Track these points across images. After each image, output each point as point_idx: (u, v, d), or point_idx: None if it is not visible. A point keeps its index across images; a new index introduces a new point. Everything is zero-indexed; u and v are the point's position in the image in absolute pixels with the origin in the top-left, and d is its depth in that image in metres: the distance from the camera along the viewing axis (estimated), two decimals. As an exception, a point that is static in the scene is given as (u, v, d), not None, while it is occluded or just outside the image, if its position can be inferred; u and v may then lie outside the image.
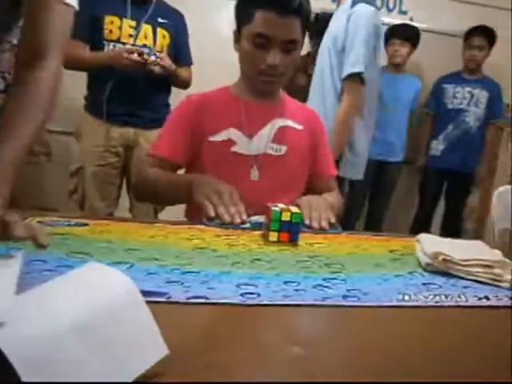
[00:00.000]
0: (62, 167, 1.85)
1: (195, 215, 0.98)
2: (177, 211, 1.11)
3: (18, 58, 0.78)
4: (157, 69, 1.65)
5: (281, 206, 0.77)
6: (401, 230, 2.89)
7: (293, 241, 0.74)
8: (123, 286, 0.34)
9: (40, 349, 0.28)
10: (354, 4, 1.57)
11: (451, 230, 2.61)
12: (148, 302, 0.46)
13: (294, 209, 0.77)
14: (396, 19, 2.69)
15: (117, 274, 0.35)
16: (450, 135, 2.60)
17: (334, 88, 1.62)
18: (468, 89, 2.58)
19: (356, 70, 1.56)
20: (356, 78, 1.58)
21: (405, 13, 2.80)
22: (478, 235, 2.81)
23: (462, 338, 0.48)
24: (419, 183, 2.78)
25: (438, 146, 2.63)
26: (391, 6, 2.80)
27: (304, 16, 0.94)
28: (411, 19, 2.76)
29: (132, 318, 0.33)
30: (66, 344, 0.29)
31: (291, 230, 0.74)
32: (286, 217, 0.74)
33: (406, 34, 2.47)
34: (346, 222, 2.51)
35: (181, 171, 1.08)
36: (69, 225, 0.70)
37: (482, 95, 2.56)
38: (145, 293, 0.48)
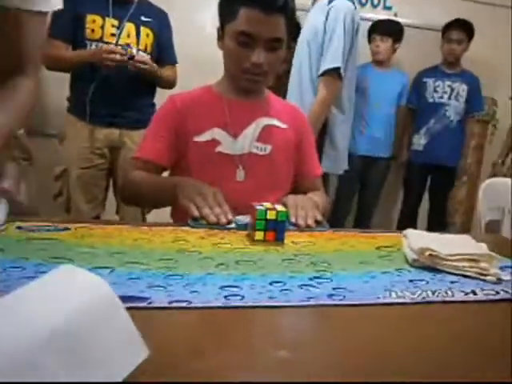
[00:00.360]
0: (45, 170, 1.82)
1: (181, 217, 0.97)
2: (165, 213, 1.10)
3: None
4: (136, 64, 1.62)
5: (266, 204, 0.76)
6: (388, 226, 2.91)
7: (279, 239, 0.73)
8: (97, 287, 0.33)
9: (12, 363, 0.26)
10: (331, 0, 1.58)
11: (437, 224, 2.63)
12: (129, 308, 0.45)
13: (280, 207, 0.76)
14: (380, 15, 2.71)
15: (89, 276, 0.34)
16: (431, 129, 2.61)
17: (312, 84, 1.62)
18: (448, 83, 2.59)
19: (334, 65, 1.58)
20: (333, 74, 1.59)
21: (389, 8, 2.81)
22: (465, 228, 2.84)
23: (450, 335, 0.47)
24: (403, 178, 2.80)
25: (419, 141, 2.64)
26: (376, 1, 2.80)
27: (289, 14, 0.93)
28: (395, 15, 2.77)
29: (109, 320, 0.32)
30: (42, 357, 0.27)
31: (277, 229, 0.73)
32: (271, 215, 0.73)
33: (389, 30, 2.48)
34: (334, 218, 2.53)
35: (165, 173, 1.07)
36: (49, 230, 0.69)
37: (462, 89, 2.58)
38: (126, 298, 0.47)
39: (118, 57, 1.57)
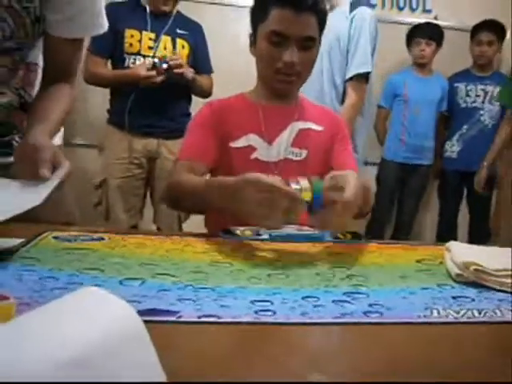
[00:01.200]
0: (87, 180, 1.88)
1: (215, 225, 0.96)
2: (201, 221, 1.10)
3: (44, 79, 0.88)
4: (176, 73, 1.66)
5: (302, 183, 0.70)
6: (426, 237, 2.80)
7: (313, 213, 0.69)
8: (121, 312, 0.32)
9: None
10: (353, 7, 1.58)
11: (480, 234, 2.48)
12: (158, 322, 0.44)
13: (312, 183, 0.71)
14: (420, 18, 2.63)
15: (114, 299, 0.32)
16: (465, 135, 2.50)
17: (334, 89, 1.61)
18: (481, 86, 2.48)
19: (364, 69, 1.59)
20: (361, 78, 1.61)
21: (429, 11, 2.73)
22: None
23: (498, 357, 0.43)
24: (438, 187, 2.68)
25: (453, 148, 2.54)
26: (414, 5, 2.73)
27: (320, 13, 0.93)
28: (436, 18, 2.69)
29: (131, 353, 0.30)
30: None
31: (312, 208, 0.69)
32: (306, 196, 0.69)
33: (433, 33, 2.41)
34: (372, 228, 2.46)
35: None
36: (84, 240, 0.70)
37: (496, 91, 2.44)
38: (155, 311, 0.47)
39: (157, 79, 1.62)
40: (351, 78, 1.61)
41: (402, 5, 2.71)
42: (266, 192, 0.65)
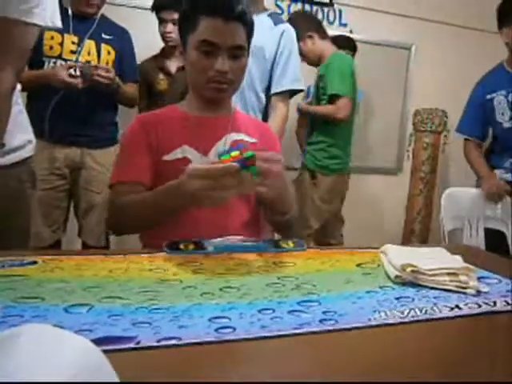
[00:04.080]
0: None
1: (151, 239, 0.93)
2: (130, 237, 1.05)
3: None
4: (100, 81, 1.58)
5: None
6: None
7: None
8: (79, 350, 0.29)
9: None
10: (275, 22, 1.59)
11: None
12: (116, 350, 0.42)
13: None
14: (336, 31, 2.78)
15: (67, 335, 0.30)
16: None
17: (257, 99, 1.61)
18: None
19: (298, 87, 1.62)
20: (287, 94, 1.62)
21: (345, 25, 2.91)
22: (423, 237, 2.92)
23: (439, 351, 0.47)
24: None
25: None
26: (331, 18, 2.89)
27: (248, 23, 0.95)
28: (351, 31, 2.87)
29: None
30: None
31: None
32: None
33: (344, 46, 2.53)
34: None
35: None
36: (13, 265, 0.63)
37: None
38: (110, 339, 0.44)
39: (66, 79, 1.52)
40: (281, 93, 1.62)
41: (320, 17, 2.85)
42: (206, 177, 0.70)
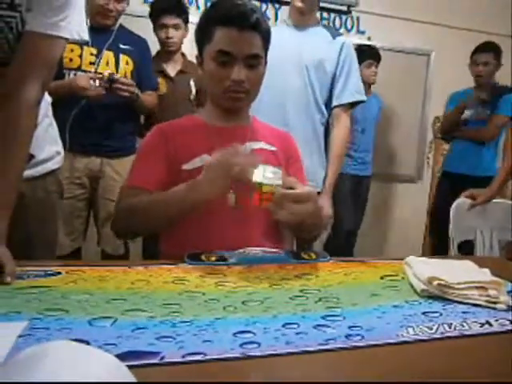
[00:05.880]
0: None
1: (171, 248, 0.93)
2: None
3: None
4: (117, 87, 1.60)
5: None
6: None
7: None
8: (105, 366, 0.29)
9: None
10: (333, 35, 1.61)
11: None
12: (140, 366, 0.41)
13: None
14: (355, 38, 2.78)
15: (94, 352, 0.30)
16: None
17: (319, 113, 1.61)
18: None
19: (361, 98, 1.63)
20: (348, 106, 1.63)
21: (363, 32, 2.89)
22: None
23: (472, 368, 0.46)
24: None
25: None
26: (349, 26, 2.88)
27: (263, 32, 0.94)
28: (369, 38, 2.85)
29: None
30: None
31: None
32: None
33: (370, 55, 2.53)
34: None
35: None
36: (37, 276, 0.64)
37: None
38: (135, 354, 0.43)
39: (92, 93, 1.55)
40: (342, 105, 1.63)
41: (337, 25, 2.84)
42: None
